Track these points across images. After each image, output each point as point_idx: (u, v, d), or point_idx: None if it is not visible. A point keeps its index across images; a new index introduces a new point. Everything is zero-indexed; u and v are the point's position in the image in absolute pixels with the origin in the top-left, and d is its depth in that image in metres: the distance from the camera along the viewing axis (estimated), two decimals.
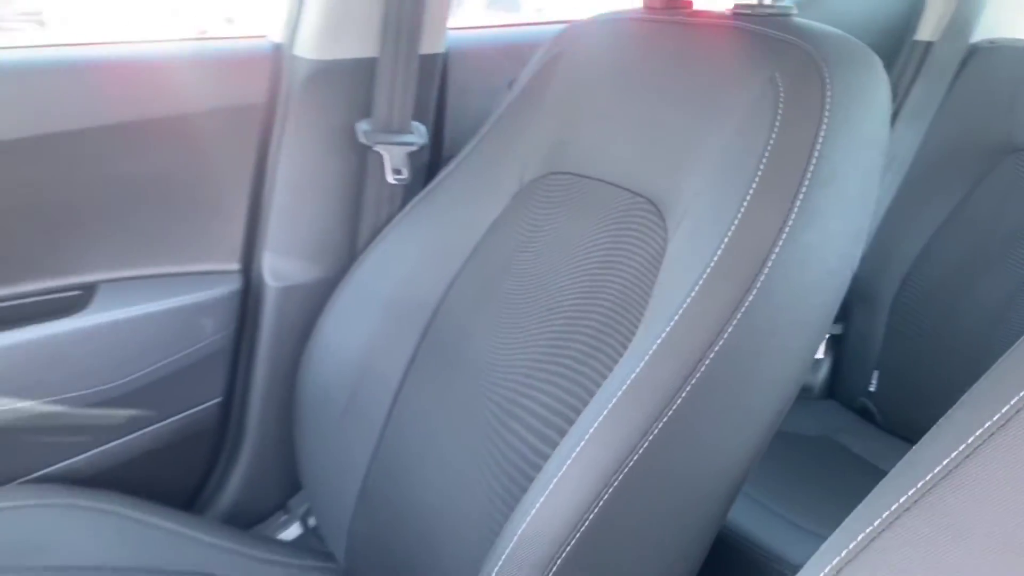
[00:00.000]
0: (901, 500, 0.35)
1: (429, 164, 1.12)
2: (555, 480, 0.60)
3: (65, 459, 1.02)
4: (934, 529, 0.33)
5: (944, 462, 0.34)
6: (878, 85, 0.68)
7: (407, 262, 0.95)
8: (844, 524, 0.38)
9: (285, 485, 1.16)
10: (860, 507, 0.38)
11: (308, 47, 1.00)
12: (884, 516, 0.35)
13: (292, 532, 1.16)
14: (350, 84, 1.02)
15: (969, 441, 0.34)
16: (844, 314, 1.40)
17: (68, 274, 0.99)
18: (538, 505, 0.60)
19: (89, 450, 1.04)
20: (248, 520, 1.15)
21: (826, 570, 0.36)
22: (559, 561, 0.59)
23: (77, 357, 0.98)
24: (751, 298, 0.60)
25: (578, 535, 0.59)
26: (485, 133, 0.95)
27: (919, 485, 0.35)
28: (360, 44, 1.00)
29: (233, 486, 1.13)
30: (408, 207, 0.98)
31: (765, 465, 0.80)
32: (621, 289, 0.73)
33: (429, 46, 1.05)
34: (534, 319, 0.80)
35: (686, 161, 0.73)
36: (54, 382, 0.98)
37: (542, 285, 0.82)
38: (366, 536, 0.92)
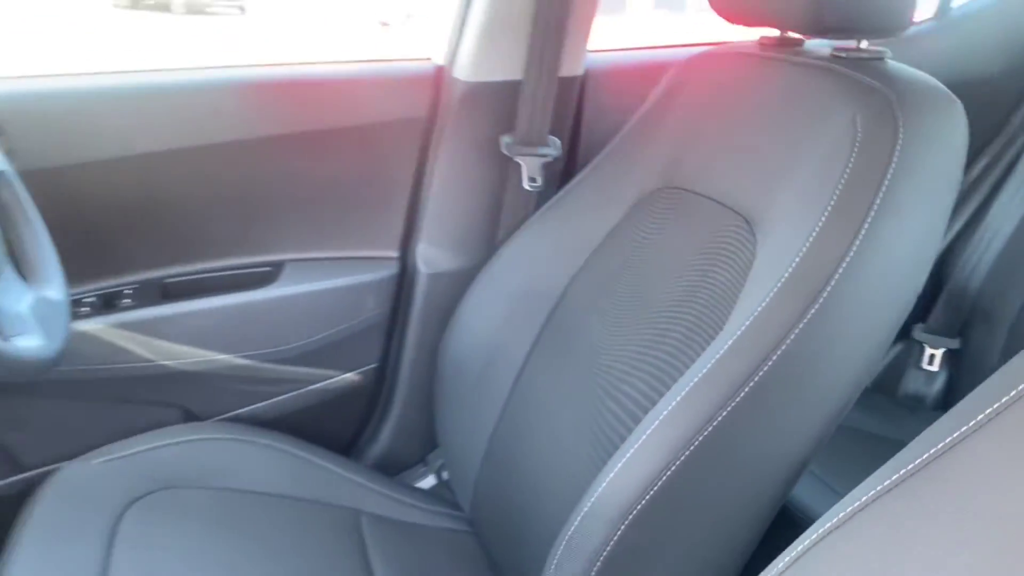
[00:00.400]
0: (908, 467, 0.43)
1: (563, 172, 1.26)
2: (631, 451, 0.73)
3: (251, 404, 1.25)
4: (933, 498, 0.42)
5: (945, 440, 0.43)
6: (953, 129, 0.76)
7: (536, 258, 1.10)
8: (854, 490, 0.48)
9: (425, 442, 1.35)
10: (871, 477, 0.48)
11: (464, 70, 1.17)
12: (887, 482, 0.44)
13: (428, 482, 1.35)
14: (497, 102, 1.18)
15: (962, 430, 0.42)
16: (963, 330, 1.43)
17: (262, 253, 1.21)
18: (616, 470, 0.74)
19: (270, 398, 1.26)
20: (393, 469, 1.34)
21: (834, 520, 0.46)
22: (629, 518, 0.72)
23: (266, 321, 1.21)
24: (814, 310, 0.70)
25: (647, 498, 0.71)
26: (612, 148, 1.08)
27: (923, 458, 0.43)
28: (507, 68, 1.16)
29: (383, 439, 1.33)
30: (541, 210, 1.13)
31: (850, 465, 0.87)
32: (712, 294, 0.85)
33: (568, 69, 1.19)
34: (639, 316, 0.93)
35: (777, 185, 0.83)
36: (248, 340, 1.20)
37: (648, 286, 0.94)
38: (487, 489, 1.08)
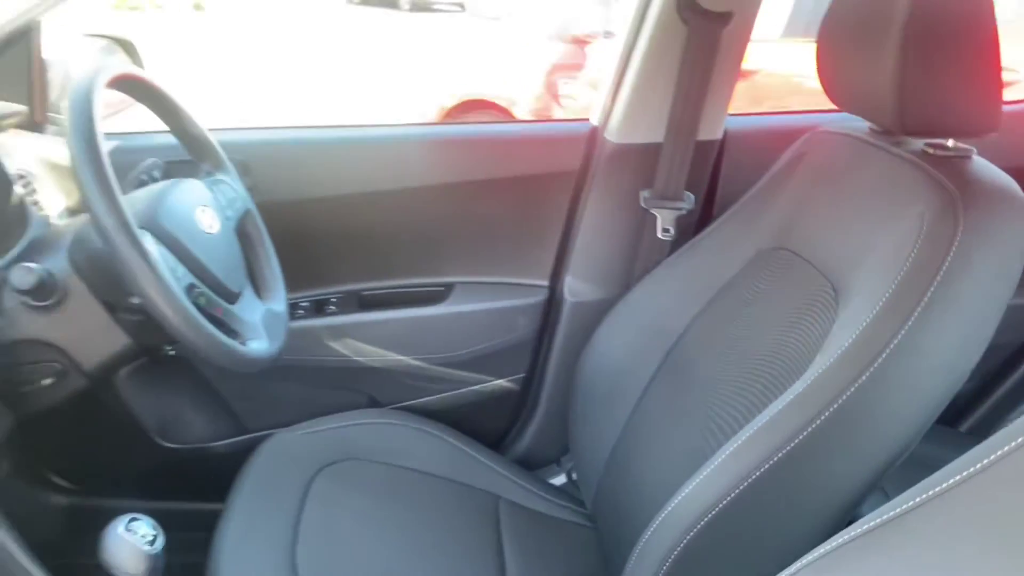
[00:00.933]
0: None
1: (698, 223, 1.42)
2: (702, 475, 0.91)
3: (421, 397, 1.52)
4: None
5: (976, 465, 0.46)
6: (1014, 228, 0.86)
7: (665, 297, 1.27)
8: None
9: (560, 444, 1.56)
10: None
11: (613, 133, 1.36)
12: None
13: (559, 479, 1.56)
14: (640, 161, 1.36)
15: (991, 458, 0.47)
16: None
17: (437, 275, 1.47)
18: (689, 488, 0.91)
19: (436, 394, 1.53)
20: (531, 464, 1.57)
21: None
22: (693, 532, 0.88)
23: (437, 331, 1.47)
24: (865, 377, 0.84)
25: (710, 515, 0.88)
26: (739, 206, 1.24)
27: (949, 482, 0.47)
28: (650, 132, 1.34)
29: (525, 438, 1.56)
30: (673, 255, 1.30)
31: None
32: (796, 348, 0.99)
33: (706, 134, 1.35)
34: (740, 358, 1.08)
35: (860, 262, 0.96)
36: (422, 345, 1.47)
37: (751, 333, 1.10)
38: (607, 491, 1.27)
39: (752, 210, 1.21)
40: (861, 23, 0.96)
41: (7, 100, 1.25)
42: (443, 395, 1.52)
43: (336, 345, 1.44)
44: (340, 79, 7.63)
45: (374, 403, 1.50)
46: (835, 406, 0.85)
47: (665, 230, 1.36)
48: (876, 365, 0.84)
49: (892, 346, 0.84)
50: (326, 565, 1.08)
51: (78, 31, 1.49)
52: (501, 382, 1.53)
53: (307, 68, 8.05)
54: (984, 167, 0.93)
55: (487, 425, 1.57)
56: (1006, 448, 0.47)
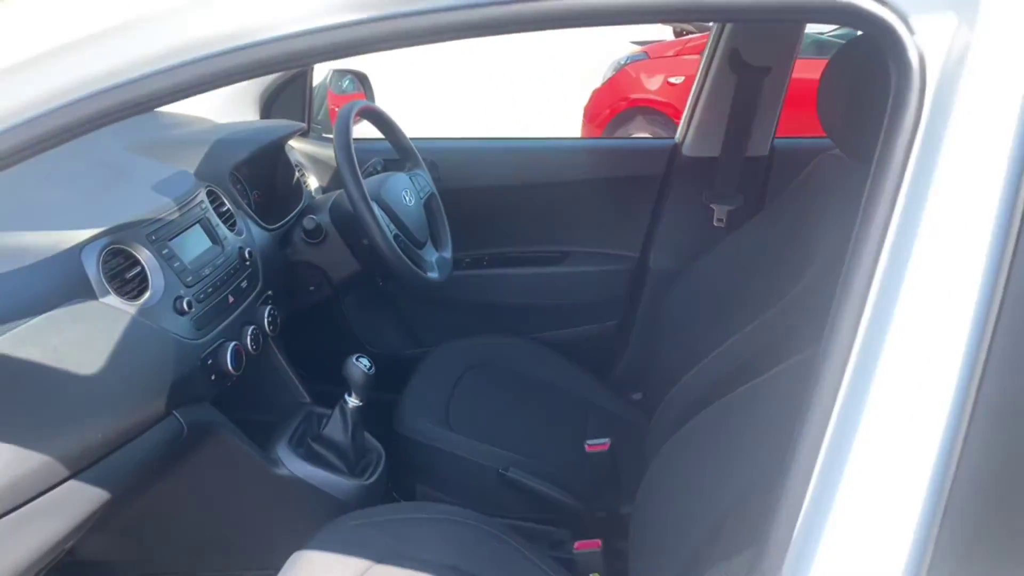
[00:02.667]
0: None
1: (742, 211, 1.92)
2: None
3: (541, 331, 2.12)
4: None
5: None
6: None
7: (718, 272, 1.79)
8: None
9: (640, 376, 2.11)
10: None
11: (687, 148, 1.90)
12: None
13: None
14: (704, 169, 1.89)
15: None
16: None
17: (556, 244, 2.07)
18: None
19: (551, 330, 2.12)
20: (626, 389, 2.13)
21: None
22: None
23: (555, 286, 2.07)
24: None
25: None
26: (768, 210, 1.73)
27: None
28: (711, 149, 1.87)
29: (618, 371, 2.12)
30: (725, 240, 1.82)
31: None
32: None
33: (754, 151, 1.86)
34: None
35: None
36: (544, 294, 2.07)
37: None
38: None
39: (777, 210, 1.71)
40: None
41: (291, 119, 1.97)
42: (555, 331, 2.12)
43: (481, 289, 2.08)
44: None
45: (506, 331, 2.12)
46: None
47: (719, 220, 1.88)
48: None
49: None
50: (467, 416, 1.71)
51: (332, 66, 2.22)
52: (598, 326, 2.11)
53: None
54: None
55: (587, 357, 2.15)
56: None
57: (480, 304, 2.10)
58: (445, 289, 1.82)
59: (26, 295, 1.07)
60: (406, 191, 1.71)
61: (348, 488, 1.44)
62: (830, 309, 0.66)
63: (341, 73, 2.23)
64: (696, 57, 4.84)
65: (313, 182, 1.96)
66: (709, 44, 1.83)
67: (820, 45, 4.67)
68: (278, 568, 1.17)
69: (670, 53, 5.24)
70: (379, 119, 1.75)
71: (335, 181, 2.02)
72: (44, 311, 1.06)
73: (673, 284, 1.87)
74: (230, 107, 1.90)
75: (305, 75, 2.00)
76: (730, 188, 1.87)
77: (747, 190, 1.91)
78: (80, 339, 1.10)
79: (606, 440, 1.58)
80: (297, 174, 1.84)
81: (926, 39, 0.61)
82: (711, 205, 1.89)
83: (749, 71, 1.75)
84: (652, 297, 2.02)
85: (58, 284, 1.12)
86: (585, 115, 5.09)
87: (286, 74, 1.94)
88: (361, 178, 1.53)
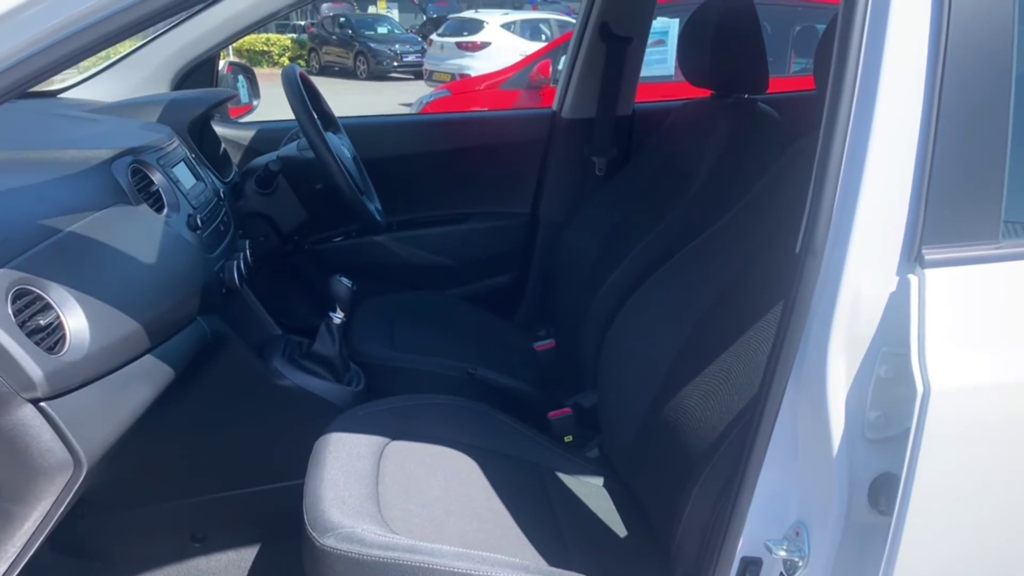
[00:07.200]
0: None
1: (615, 163, 2.28)
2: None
3: (456, 288, 2.34)
4: None
5: None
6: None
7: (600, 215, 2.12)
8: None
9: (541, 319, 2.39)
10: None
11: (566, 112, 2.24)
12: None
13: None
14: (582, 129, 2.24)
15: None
16: None
17: (461, 207, 2.31)
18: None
19: (458, 286, 2.35)
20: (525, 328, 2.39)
21: None
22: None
23: (461, 243, 2.30)
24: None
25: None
26: (637, 159, 2.10)
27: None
28: (587, 111, 2.22)
29: (521, 311, 2.38)
30: (605, 188, 2.15)
31: None
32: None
33: (621, 111, 2.24)
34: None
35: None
36: (449, 252, 2.30)
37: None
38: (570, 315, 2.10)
39: (646, 156, 2.08)
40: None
41: None
42: (462, 287, 2.35)
43: (395, 252, 2.28)
44: None
45: (423, 287, 2.32)
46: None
47: (600, 170, 2.23)
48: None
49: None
50: (412, 343, 1.88)
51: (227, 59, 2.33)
52: (500, 278, 2.37)
53: None
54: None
55: (492, 307, 2.40)
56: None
57: (391, 267, 2.29)
58: (358, 255, 1.99)
59: (73, 199, 1.17)
60: (343, 147, 1.89)
61: (344, 394, 1.58)
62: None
63: (235, 65, 2.36)
64: (497, 91, 5.37)
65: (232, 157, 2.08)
66: (580, 18, 2.20)
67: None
68: (299, 477, 1.25)
69: (481, 87, 5.70)
70: (310, 85, 1.93)
71: (246, 158, 2.14)
72: (92, 212, 1.16)
73: (563, 231, 2.18)
74: (145, 92, 1.98)
75: (213, 61, 2.12)
76: (606, 142, 2.23)
77: (619, 144, 2.28)
78: (135, 234, 1.20)
79: (551, 340, 1.84)
80: (223, 145, 1.96)
81: None
82: (592, 158, 2.24)
83: (616, 41, 2.13)
84: (544, 246, 2.31)
85: (98, 191, 1.21)
86: None
87: (195, 61, 2.05)
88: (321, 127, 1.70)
